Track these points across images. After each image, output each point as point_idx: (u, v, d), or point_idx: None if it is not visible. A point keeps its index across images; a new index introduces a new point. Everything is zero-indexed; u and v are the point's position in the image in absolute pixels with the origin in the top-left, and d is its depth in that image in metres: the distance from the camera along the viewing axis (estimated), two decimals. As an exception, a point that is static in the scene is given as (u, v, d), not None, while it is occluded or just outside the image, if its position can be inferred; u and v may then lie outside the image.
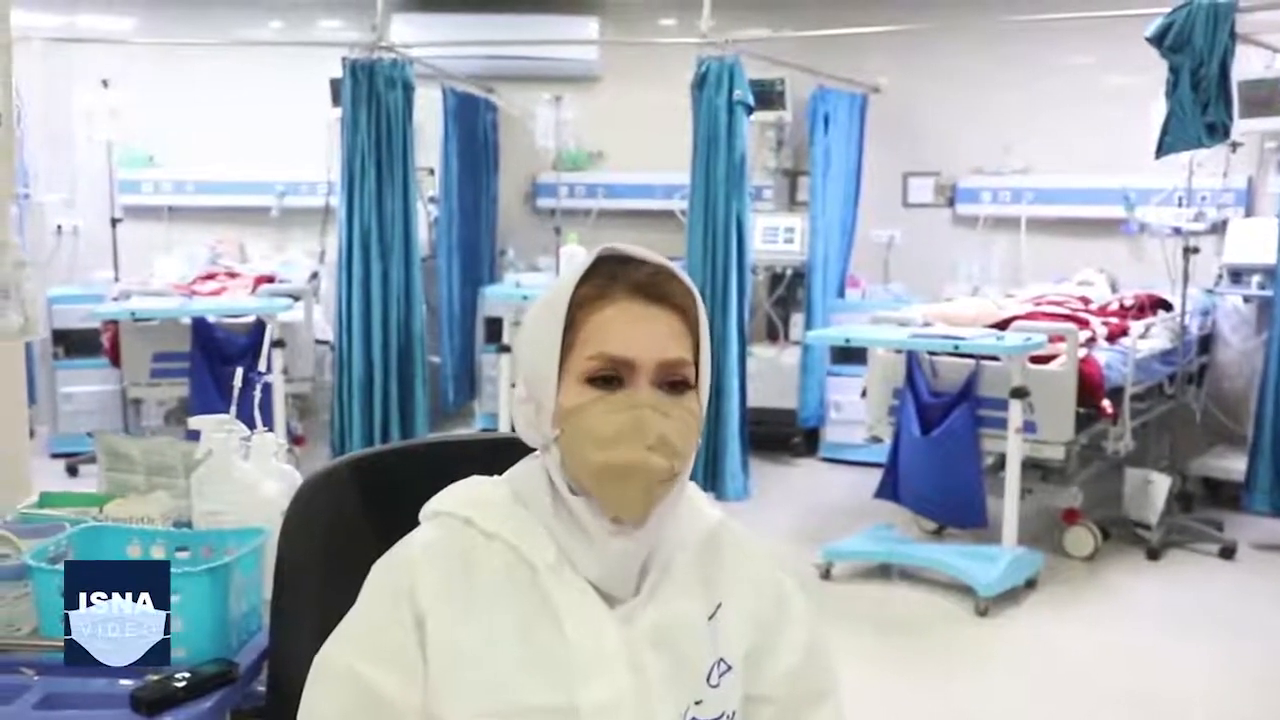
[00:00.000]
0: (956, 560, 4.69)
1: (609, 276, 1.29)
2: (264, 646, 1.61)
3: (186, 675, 1.48)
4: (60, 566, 1.64)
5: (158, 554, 1.73)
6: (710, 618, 1.35)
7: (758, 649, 1.38)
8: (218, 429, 1.85)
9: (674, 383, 1.28)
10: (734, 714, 1.34)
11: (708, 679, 1.32)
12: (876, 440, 5.44)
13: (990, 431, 4.82)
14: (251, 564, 1.68)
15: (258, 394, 2.00)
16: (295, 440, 6.20)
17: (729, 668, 1.34)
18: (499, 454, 1.47)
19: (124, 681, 1.47)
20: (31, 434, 6.54)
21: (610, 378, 1.27)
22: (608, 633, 1.28)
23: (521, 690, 1.25)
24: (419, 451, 1.76)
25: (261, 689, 1.59)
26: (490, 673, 1.25)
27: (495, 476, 1.40)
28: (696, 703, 1.31)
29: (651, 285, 1.29)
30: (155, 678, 1.46)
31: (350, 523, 1.55)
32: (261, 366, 2.10)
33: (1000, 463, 4.82)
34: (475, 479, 1.39)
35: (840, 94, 6.74)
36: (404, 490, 1.48)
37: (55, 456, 6.29)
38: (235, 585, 1.63)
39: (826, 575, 4.82)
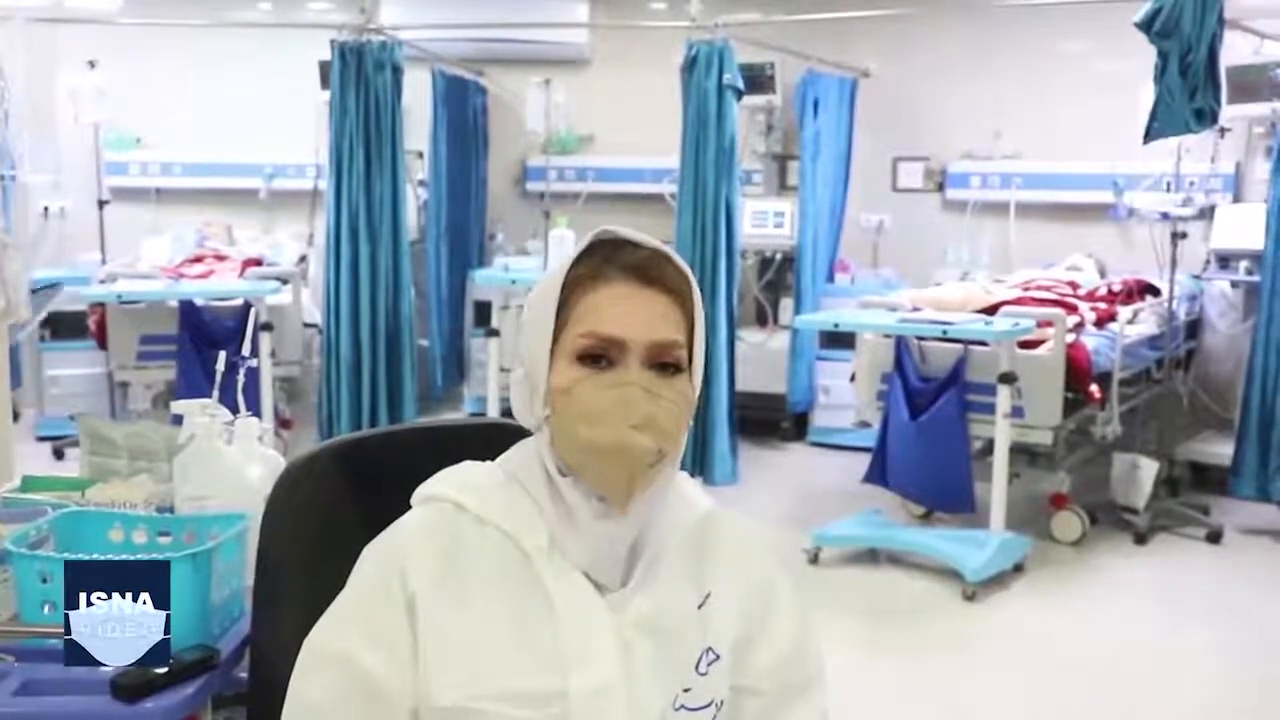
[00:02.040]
0: (944, 545, 4.70)
1: (603, 258, 1.30)
2: (246, 632, 1.60)
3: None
4: (40, 552, 1.64)
5: (140, 539, 1.72)
6: (699, 607, 1.35)
7: (745, 639, 1.38)
8: (200, 413, 1.84)
9: (665, 364, 1.28)
10: (722, 702, 1.35)
11: (696, 667, 1.32)
12: (865, 425, 5.44)
13: (978, 416, 4.83)
14: (233, 549, 1.67)
15: (241, 378, 1.99)
16: (283, 424, 6.20)
17: (717, 657, 1.34)
18: (484, 439, 1.47)
19: (106, 669, 1.46)
20: (17, 417, 6.58)
21: (600, 356, 1.27)
22: (598, 619, 1.28)
23: (511, 674, 1.25)
24: (403, 437, 1.77)
25: (243, 675, 1.59)
26: (480, 656, 1.26)
27: (489, 461, 1.39)
28: (685, 690, 1.31)
29: (645, 267, 1.29)
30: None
31: (333, 508, 1.54)
32: (246, 350, 2.08)
33: (988, 447, 4.83)
34: (468, 464, 1.39)
35: (830, 78, 6.72)
36: (388, 475, 1.48)
37: (41, 439, 6.27)
38: (217, 571, 1.62)
39: (815, 560, 4.83)
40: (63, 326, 6.38)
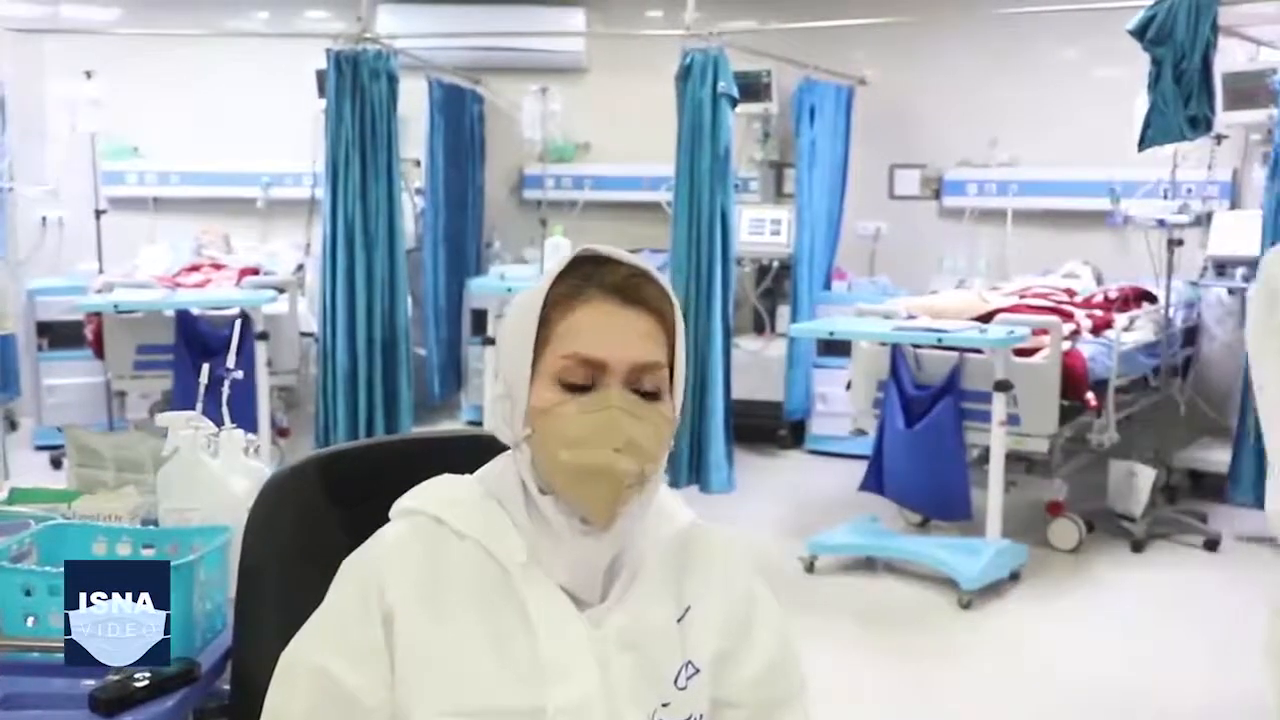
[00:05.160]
0: (940, 553, 4.69)
1: (584, 277, 1.29)
2: (229, 644, 1.60)
3: (147, 675, 1.46)
4: (21, 565, 1.64)
5: (123, 551, 1.72)
6: (679, 620, 1.35)
7: (726, 653, 1.38)
8: (185, 426, 1.84)
9: (647, 392, 1.28)
10: (702, 717, 1.34)
11: (675, 681, 1.32)
12: (861, 433, 5.44)
13: (974, 424, 4.82)
14: (216, 562, 1.67)
15: (227, 390, 1.99)
16: (280, 433, 6.20)
17: (696, 670, 1.34)
18: (468, 452, 1.47)
19: (86, 681, 1.46)
20: (16, 426, 6.60)
21: (582, 379, 1.26)
22: (576, 634, 1.28)
23: (488, 690, 1.25)
24: (387, 449, 1.77)
25: (226, 687, 1.59)
26: (458, 672, 1.25)
27: (467, 475, 1.39)
28: (664, 705, 1.31)
29: (627, 287, 1.28)
30: (115, 678, 1.45)
31: (316, 520, 1.54)
32: (230, 362, 2.08)
33: (986, 455, 4.81)
34: (447, 477, 1.39)
35: (826, 86, 6.73)
36: (371, 487, 1.48)
37: (39, 449, 6.26)
38: (199, 583, 1.62)
39: (811, 568, 4.81)
40: (60, 336, 6.38)
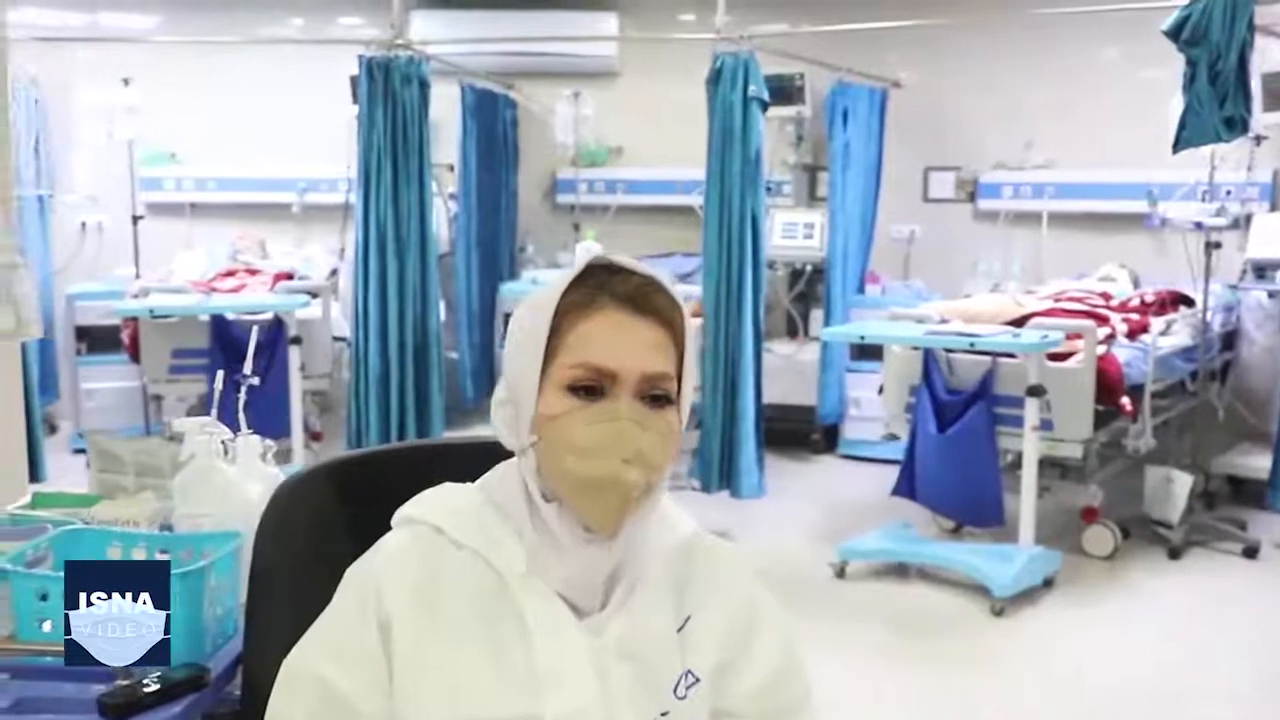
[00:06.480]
0: (973, 559, 4.65)
1: (596, 285, 1.29)
2: (239, 649, 1.60)
3: (156, 680, 1.47)
4: (38, 570, 1.65)
5: (138, 557, 1.73)
6: (679, 629, 1.34)
7: (727, 663, 1.37)
8: (199, 432, 1.85)
9: (655, 397, 1.28)
10: None
11: (675, 691, 1.31)
12: (893, 438, 5.41)
13: (1007, 429, 4.77)
14: (226, 567, 1.67)
15: (243, 396, 2.00)
16: (313, 436, 6.24)
17: (697, 680, 1.33)
18: (479, 458, 1.46)
19: (96, 686, 1.47)
20: (55, 429, 6.68)
21: (591, 388, 1.26)
22: (575, 643, 1.28)
23: (486, 699, 1.25)
24: (399, 455, 1.77)
25: (238, 692, 1.59)
26: (455, 680, 1.25)
27: (468, 483, 1.39)
28: (663, 715, 1.30)
29: (639, 296, 1.28)
30: (124, 683, 1.46)
31: (327, 525, 1.55)
32: (247, 369, 2.10)
33: (1018, 461, 4.77)
34: (448, 486, 1.39)
35: (860, 89, 6.70)
36: (383, 493, 1.47)
37: (77, 452, 6.32)
38: (210, 589, 1.62)
39: (841, 574, 4.79)
40: (98, 340, 6.45)
